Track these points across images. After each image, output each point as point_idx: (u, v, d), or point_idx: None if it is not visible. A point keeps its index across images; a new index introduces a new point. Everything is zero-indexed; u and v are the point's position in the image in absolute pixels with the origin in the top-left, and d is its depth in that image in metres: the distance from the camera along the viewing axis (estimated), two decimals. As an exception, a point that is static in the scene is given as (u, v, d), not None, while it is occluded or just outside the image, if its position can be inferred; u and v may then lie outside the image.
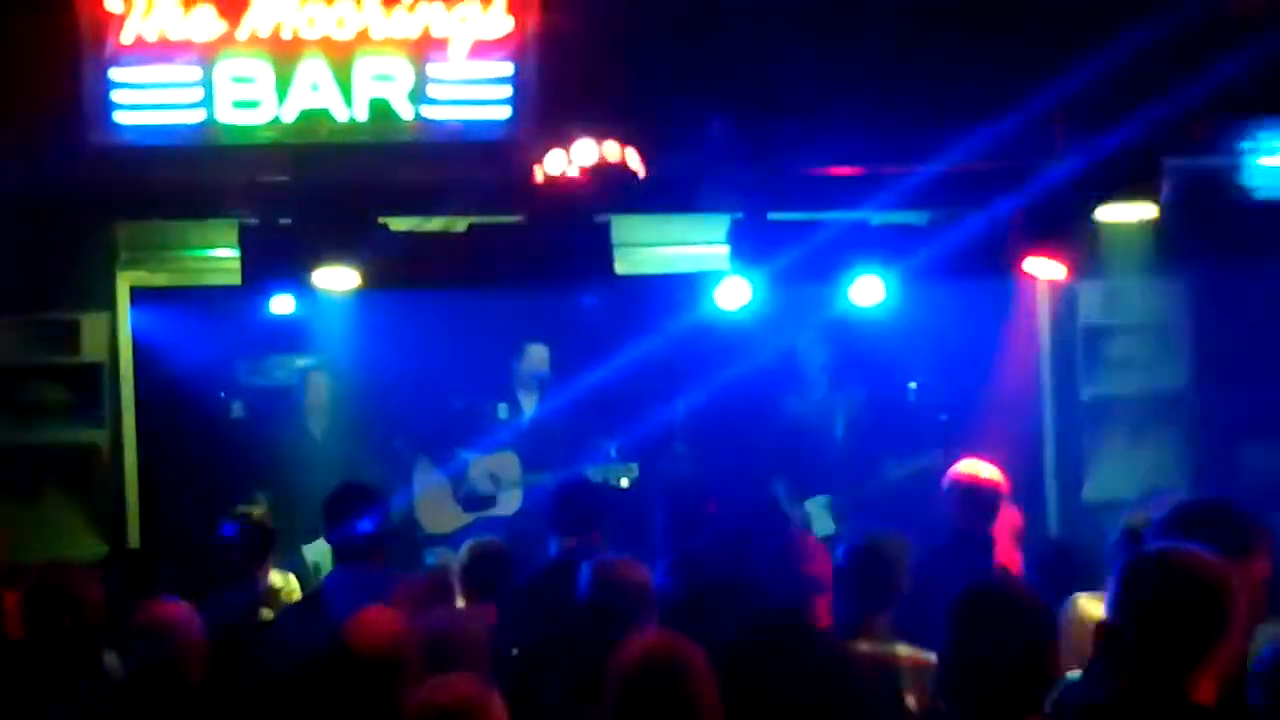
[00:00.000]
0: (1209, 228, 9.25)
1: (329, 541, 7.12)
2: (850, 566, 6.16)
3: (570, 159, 8.22)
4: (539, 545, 7.75)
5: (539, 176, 8.25)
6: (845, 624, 6.01)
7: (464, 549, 7.26)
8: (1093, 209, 8.63)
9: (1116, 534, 6.39)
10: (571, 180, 8.22)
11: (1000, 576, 6.79)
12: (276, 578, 8.00)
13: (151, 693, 5.61)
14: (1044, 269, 8.89)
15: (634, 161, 8.30)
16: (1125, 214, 8.70)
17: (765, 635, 5.05)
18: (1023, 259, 8.88)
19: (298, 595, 7.99)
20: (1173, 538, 4.41)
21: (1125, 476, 9.73)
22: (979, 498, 7.60)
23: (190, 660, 5.72)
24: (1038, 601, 4.31)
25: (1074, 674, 4.64)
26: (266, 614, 7.47)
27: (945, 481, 7.70)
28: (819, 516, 10.34)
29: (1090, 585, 6.31)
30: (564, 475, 8.87)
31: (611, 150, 8.22)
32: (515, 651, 6.15)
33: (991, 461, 7.74)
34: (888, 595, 6.14)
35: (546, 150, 8.33)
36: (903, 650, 5.94)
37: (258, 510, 7.91)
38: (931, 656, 5.45)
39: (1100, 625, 4.09)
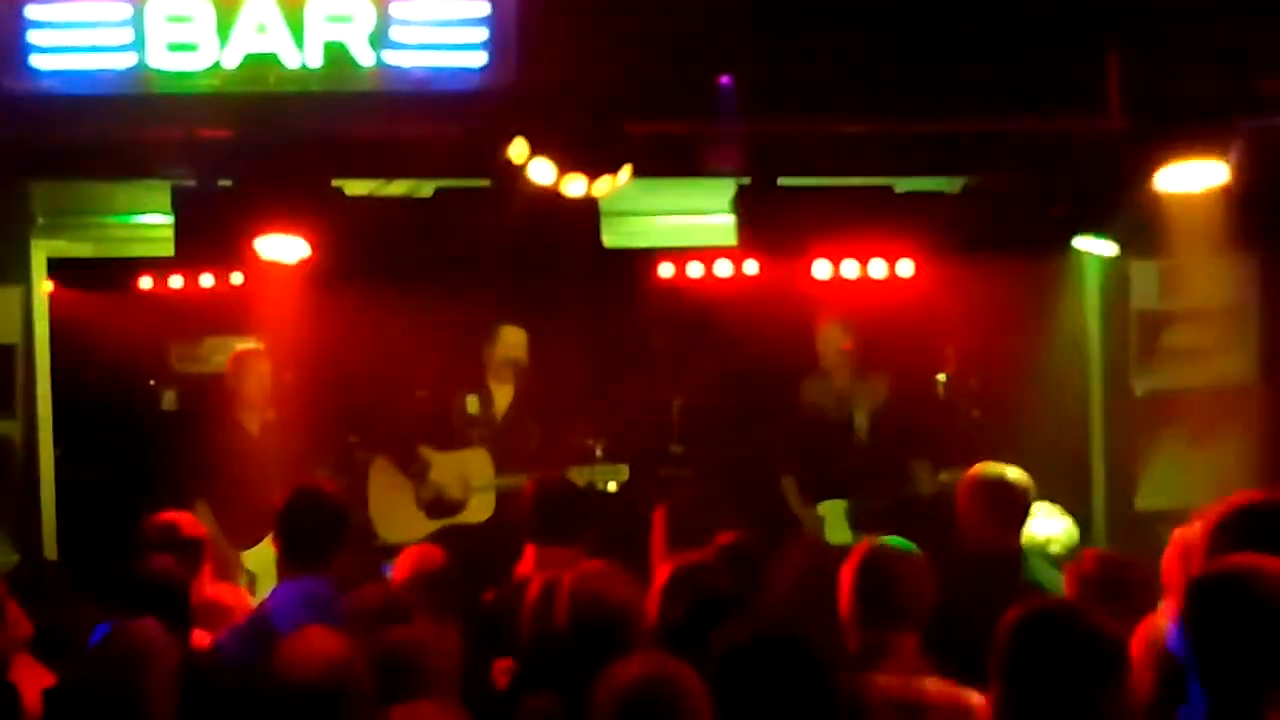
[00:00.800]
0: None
1: (278, 551, 7.07)
2: (865, 581, 6.08)
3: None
4: (511, 556, 7.70)
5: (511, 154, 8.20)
6: (865, 650, 5.93)
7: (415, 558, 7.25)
8: (1150, 175, 8.57)
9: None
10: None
11: (1056, 598, 6.73)
12: (224, 592, 7.93)
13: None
14: (1093, 245, 8.86)
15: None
16: (1187, 181, 8.64)
17: (756, 663, 4.96)
18: (1068, 233, 8.84)
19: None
20: (1235, 546, 4.36)
21: (1184, 482, 9.70)
22: (1008, 502, 7.58)
23: (158, 694, 5.64)
24: (1106, 627, 4.25)
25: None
26: (199, 636, 7.39)
27: (965, 484, 7.68)
28: (834, 523, 10.29)
29: (1146, 606, 6.28)
30: (542, 477, 8.81)
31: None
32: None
33: (1032, 466, 7.70)
34: (912, 615, 6.05)
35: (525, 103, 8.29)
36: (932, 686, 5.85)
37: (186, 518, 7.83)
38: (972, 697, 5.39)
39: (1165, 653, 4.05)
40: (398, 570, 7.13)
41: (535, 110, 8.21)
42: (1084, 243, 8.95)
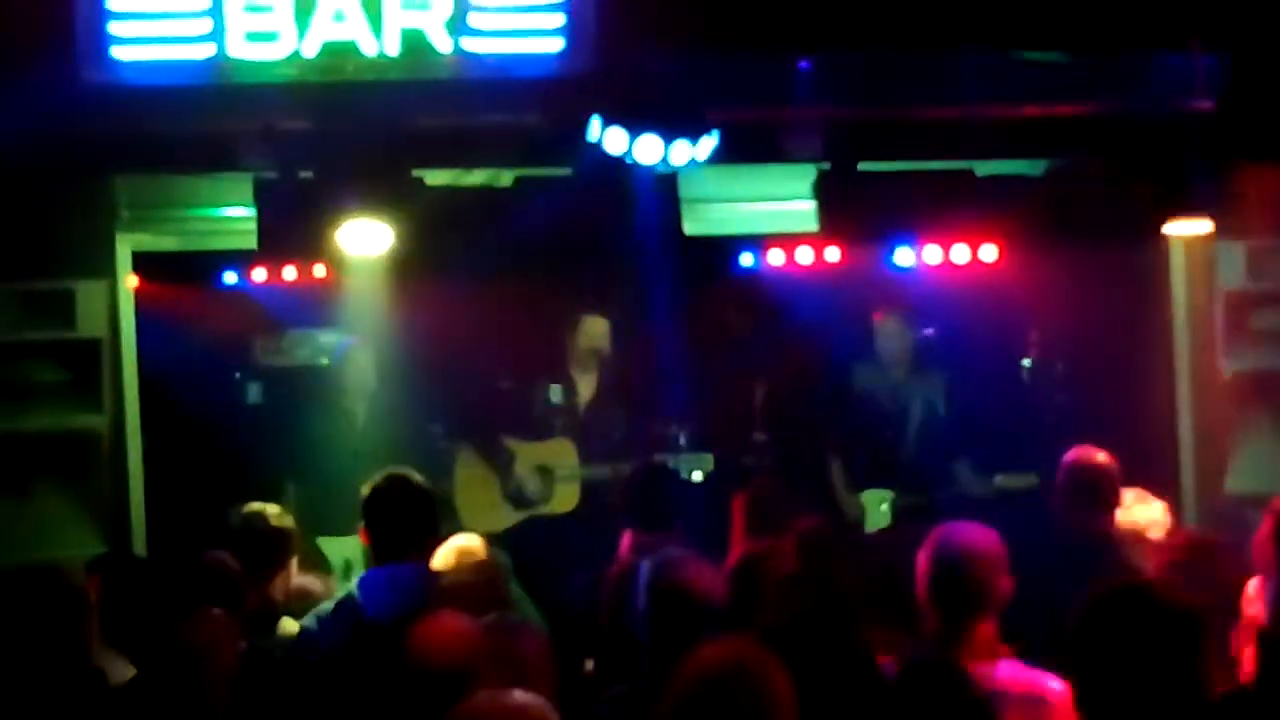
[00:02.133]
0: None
1: (369, 540, 7.04)
2: (939, 567, 5.98)
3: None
4: (597, 546, 7.66)
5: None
6: (941, 635, 5.82)
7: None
8: (1237, 155, 8.44)
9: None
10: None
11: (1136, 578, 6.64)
12: (312, 582, 7.92)
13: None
14: (1185, 227, 8.73)
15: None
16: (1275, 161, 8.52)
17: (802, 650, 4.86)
18: (1153, 215, 8.72)
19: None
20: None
21: (1274, 464, 9.59)
22: (1094, 486, 7.50)
23: (218, 685, 5.65)
24: (1186, 605, 4.15)
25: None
26: (289, 625, 7.38)
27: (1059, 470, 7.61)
28: (874, 511, 10.20)
29: (1236, 588, 6.18)
30: (639, 462, 8.77)
31: None
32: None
33: (1119, 449, 7.63)
34: (988, 601, 5.95)
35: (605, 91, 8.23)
36: (1006, 673, 5.72)
37: (273, 509, 7.81)
38: (1051, 685, 5.29)
39: (1262, 634, 3.95)
40: (439, 561, 7.00)
41: (613, 87, 8.15)
42: (1171, 226, 8.82)
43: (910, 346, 10.66)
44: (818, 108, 8.65)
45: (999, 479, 10.22)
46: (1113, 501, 7.58)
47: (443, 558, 6.85)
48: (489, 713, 4.26)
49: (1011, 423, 10.50)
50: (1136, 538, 7.72)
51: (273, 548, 7.50)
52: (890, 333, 10.66)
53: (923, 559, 5.94)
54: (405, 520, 6.79)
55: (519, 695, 4.34)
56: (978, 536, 5.99)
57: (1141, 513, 8.02)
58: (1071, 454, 7.64)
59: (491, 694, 4.35)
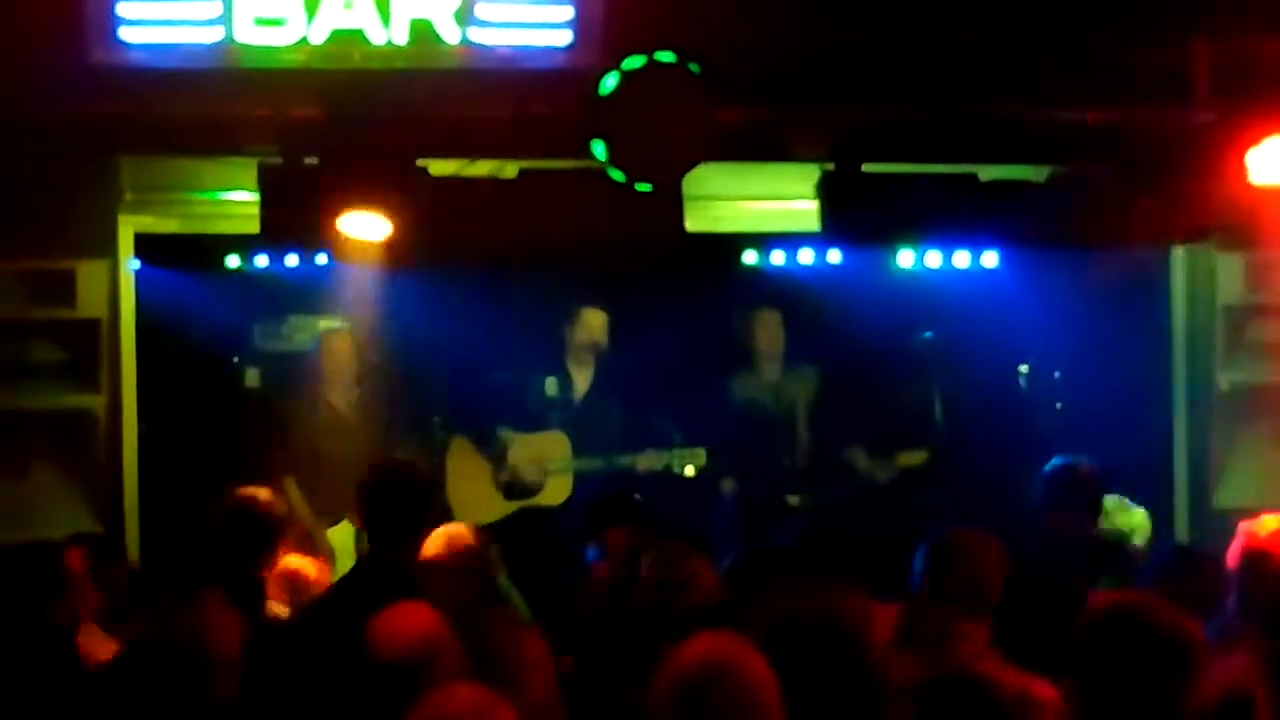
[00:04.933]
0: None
1: (362, 527, 7.03)
2: (934, 565, 5.96)
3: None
4: (588, 540, 7.64)
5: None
6: (934, 635, 5.79)
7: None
8: (1236, 166, 8.40)
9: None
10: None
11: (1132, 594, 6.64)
12: (304, 564, 7.89)
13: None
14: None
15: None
16: (1274, 171, 8.47)
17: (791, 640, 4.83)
18: (1156, 224, 8.68)
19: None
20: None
21: (1267, 479, 9.56)
22: (1076, 490, 7.51)
23: (222, 666, 5.55)
24: (1185, 623, 4.13)
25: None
26: (277, 609, 7.37)
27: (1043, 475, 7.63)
28: None
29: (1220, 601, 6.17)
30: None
31: None
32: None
33: (1113, 459, 7.64)
34: (981, 602, 5.93)
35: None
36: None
37: (264, 493, 7.77)
38: (1044, 690, 5.26)
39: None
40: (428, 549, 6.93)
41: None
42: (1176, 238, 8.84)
43: (783, 344, 10.73)
44: (822, 108, 8.63)
45: (900, 457, 10.40)
46: (1091, 506, 7.59)
47: (432, 544, 6.81)
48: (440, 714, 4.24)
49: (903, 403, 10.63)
50: (1119, 544, 7.75)
51: (263, 531, 7.48)
52: (770, 333, 10.70)
53: (918, 556, 5.95)
54: (400, 508, 6.79)
55: (466, 693, 4.32)
56: (974, 537, 6.00)
57: (1123, 519, 8.03)
58: (1055, 460, 7.65)
59: (439, 696, 4.33)
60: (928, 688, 4.54)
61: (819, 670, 4.60)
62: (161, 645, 5.48)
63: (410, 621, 5.18)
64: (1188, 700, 4.10)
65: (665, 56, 7.94)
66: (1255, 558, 6.21)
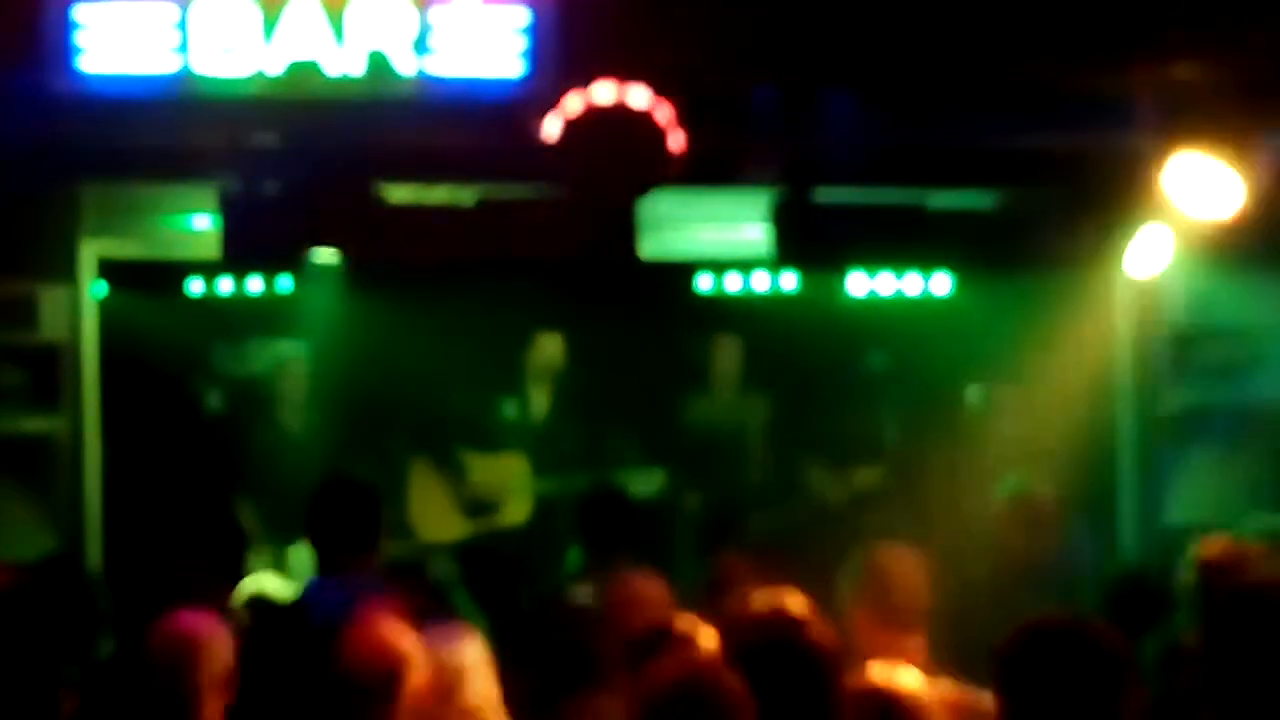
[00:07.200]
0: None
1: (312, 545, 6.98)
2: (870, 582, 6.02)
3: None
4: (548, 559, 7.68)
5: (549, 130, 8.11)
6: (870, 650, 5.85)
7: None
8: (1177, 192, 8.48)
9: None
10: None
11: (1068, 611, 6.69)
12: (272, 586, 7.90)
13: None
14: (1126, 262, 8.80)
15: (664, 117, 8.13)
16: (1214, 197, 8.54)
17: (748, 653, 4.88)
18: (1101, 250, 8.76)
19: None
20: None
21: (1214, 497, 9.60)
22: (1038, 517, 7.56)
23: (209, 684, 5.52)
24: (1115, 641, 4.17)
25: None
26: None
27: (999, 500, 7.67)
28: None
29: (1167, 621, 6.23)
30: (595, 482, 8.83)
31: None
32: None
33: (1061, 479, 7.68)
34: (916, 616, 5.99)
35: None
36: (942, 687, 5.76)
37: (228, 514, 7.81)
38: (986, 700, 5.32)
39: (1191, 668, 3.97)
40: None
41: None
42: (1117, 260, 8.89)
43: (739, 367, 10.80)
44: (775, 134, 8.68)
45: (854, 477, 10.44)
46: (1049, 526, 7.63)
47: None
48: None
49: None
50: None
51: (227, 552, 7.48)
52: (725, 356, 10.76)
53: (850, 575, 6.01)
54: (344, 526, 6.69)
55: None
56: (903, 553, 6.07)
57: None
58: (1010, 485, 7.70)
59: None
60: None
61: (786, 688, 4.67)
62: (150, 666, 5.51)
63: (376, 637, 5.19)
64: (1121, 716, 4.11)
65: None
66: (1206, 576, 6.28)
